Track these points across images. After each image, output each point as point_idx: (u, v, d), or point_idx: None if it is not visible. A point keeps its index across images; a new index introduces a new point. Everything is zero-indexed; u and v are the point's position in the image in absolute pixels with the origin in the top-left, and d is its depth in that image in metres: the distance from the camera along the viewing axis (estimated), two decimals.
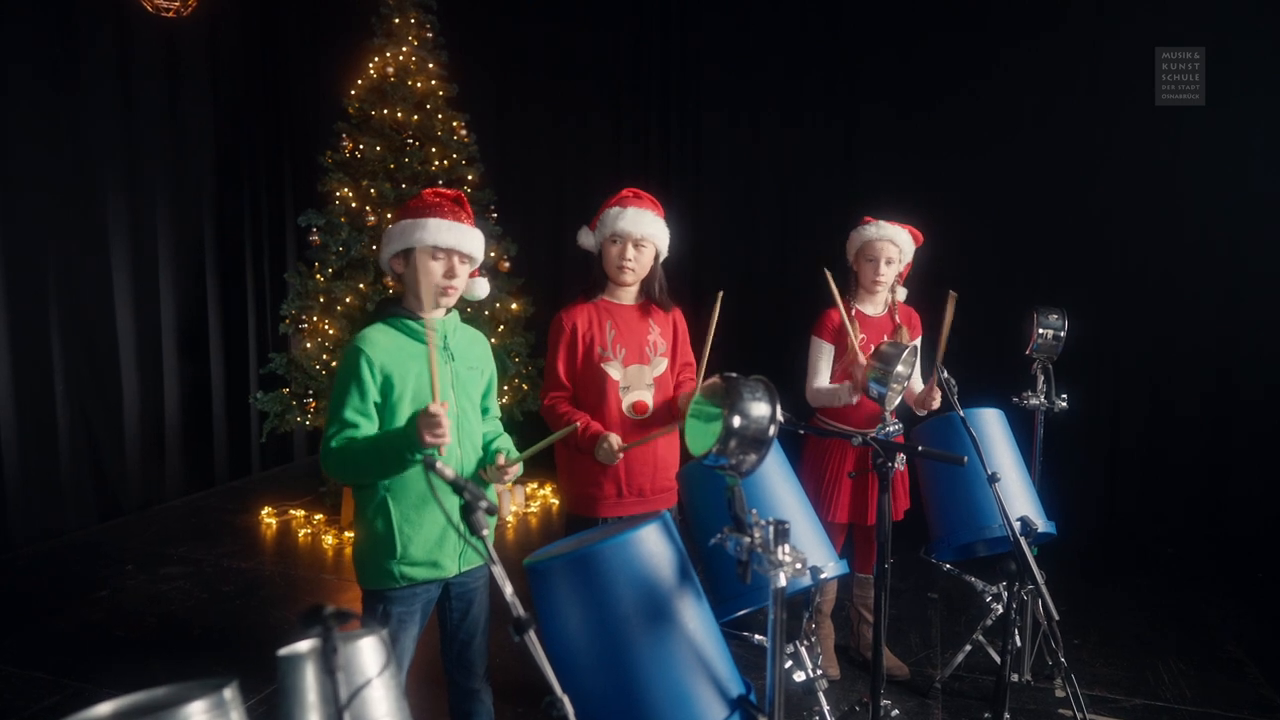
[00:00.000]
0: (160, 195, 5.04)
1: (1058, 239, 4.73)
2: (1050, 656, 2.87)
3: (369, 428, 1.91)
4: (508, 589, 1.20)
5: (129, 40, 4.74)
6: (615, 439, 2.34)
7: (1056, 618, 2.05)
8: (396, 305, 2.06)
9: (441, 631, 2.11)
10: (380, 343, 1.95)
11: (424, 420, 1.74)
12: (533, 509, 5.12)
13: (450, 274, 2.00)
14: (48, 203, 4.41)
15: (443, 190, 2.07)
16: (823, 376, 2.95)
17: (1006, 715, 2.26)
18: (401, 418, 1.92)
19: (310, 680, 1.22)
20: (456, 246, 1.99)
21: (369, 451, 1.87)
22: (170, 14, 2.36)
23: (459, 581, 2.05)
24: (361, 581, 2.04)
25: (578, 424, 2.35)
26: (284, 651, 1.26)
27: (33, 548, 4.36)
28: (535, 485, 5.32)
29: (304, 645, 1.31)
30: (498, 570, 1.20)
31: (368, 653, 1.24)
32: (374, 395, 1.91)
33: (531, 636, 1.18)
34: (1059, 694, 2.97)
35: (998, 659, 2.91)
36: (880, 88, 5.04)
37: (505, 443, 2.14)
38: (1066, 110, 4.66)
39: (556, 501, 5.22)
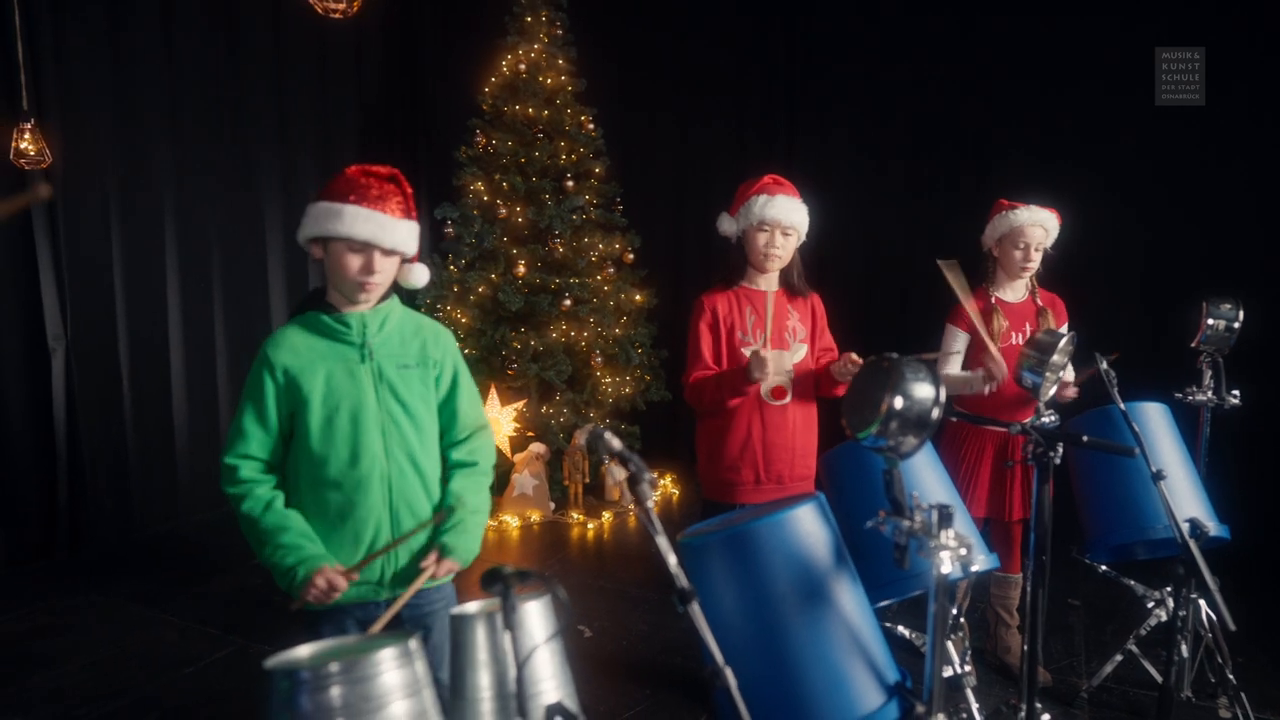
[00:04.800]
0: (309, 189, 5.37)
1: (1220, 227, 4.37)
2: (1214, 673, 2.67)
3: (261, 442, 1.75)
4: (671, 559, 1.22)
5: (285, 42, 5.10)
6: (758, 351, 2.30)
7: (1233, 628, 1.90)
8: (317, 299, 1.84)
9: None
10: (286, 343, 1.77)
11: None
12: (654, 497, 5.16)
13: (368, 270, 1.74)
14: (213, 198, 4.79)
15: (373, 169, 1.78)
16: (954, 363, 2.87)
17: None
18: (313, 420, 1.74)
19: (480, 638, 1.28)
20: (374, 240, 1.72)
21: (263, 542, 1.71)
22: (338, 14, 2.50)
23: (408, 605, 1.78)
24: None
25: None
26: (455, 611, 1.33)
27: (200, 516, 4.76)
28: (656, 474, 5.35)
29: (473, 606, 1.38)
30: (661, 540, 1.22)
31: (535, 615, 1.29)
32: (272, 403, 1.74)
33: (695, 608, 1.20)
34: (1224, 714, 2.75)
35: (1152, 670, 2.74)
36: (1016, 76, 4.78)
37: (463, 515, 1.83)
38: None
39: (677, 491, 5.25)
